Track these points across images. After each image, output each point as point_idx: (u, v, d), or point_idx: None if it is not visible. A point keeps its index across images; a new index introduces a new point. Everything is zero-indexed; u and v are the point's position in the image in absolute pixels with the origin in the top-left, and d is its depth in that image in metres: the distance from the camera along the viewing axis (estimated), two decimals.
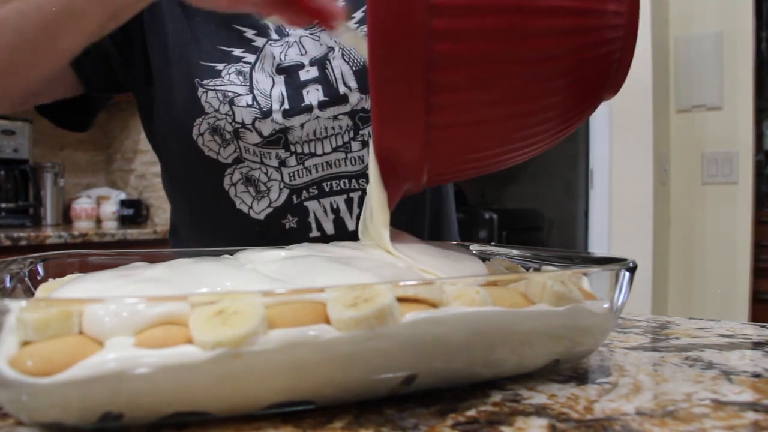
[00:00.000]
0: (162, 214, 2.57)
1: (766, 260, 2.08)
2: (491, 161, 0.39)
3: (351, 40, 0.49)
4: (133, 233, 2.09)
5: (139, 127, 2.61)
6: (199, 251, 0.47)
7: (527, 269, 0.45)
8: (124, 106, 2.63)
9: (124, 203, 2.46)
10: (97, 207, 2.37)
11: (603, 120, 2.06)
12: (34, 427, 0.27)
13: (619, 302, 0.36)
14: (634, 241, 1.99)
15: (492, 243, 0.54)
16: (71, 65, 0.61)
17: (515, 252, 0.48)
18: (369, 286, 0.29)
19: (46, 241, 1.83)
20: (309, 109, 0.63)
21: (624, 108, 2.00)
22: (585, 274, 0.37)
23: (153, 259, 0.41)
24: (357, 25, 0.66)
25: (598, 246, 2.07)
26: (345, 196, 0.64)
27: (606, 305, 0.36)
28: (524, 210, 3.50)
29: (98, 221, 2.37)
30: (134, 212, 2.47)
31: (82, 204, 2.32)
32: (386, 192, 0.38)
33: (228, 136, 0.62)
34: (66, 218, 2.40)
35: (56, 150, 2.55)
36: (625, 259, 0.37)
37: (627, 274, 0.36)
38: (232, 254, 0.44)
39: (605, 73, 0.36)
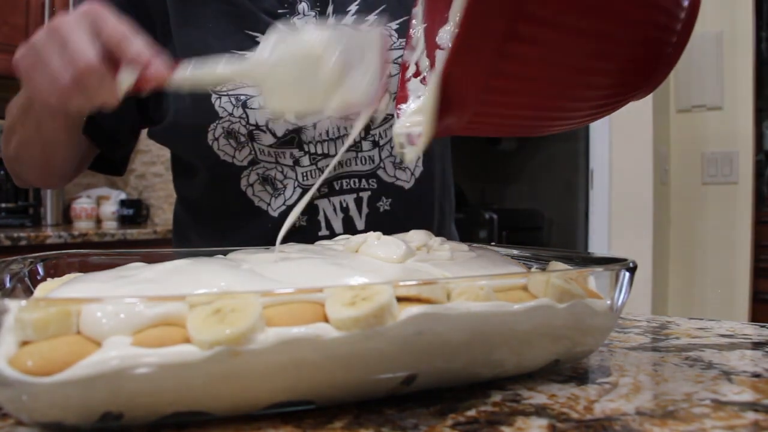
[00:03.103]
0: (162, 214, 2.57)
1: (766, 260, 2.07)
2: (529, 123, 0.41)
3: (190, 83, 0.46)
4: (132, 233, 2.09)
5: None
6: (197, 251, 0.47)
7: (529, 269, 0.45)
8: None
9: (123, 203, 2.46)
10: (97, 207, 2.37)
11: (603, 120, 2.05)
12: (34, 427, 0.27)
13: (620, 302, 0.36)
14: (634, 241, 1.99)
15: (492, 243, 0.54)
16: (96, 145, 0.68)
17: (515, 252, 0.48)
18: (367, 285, 0.29)
19: (46, 241, 1.83)
20: None
21: (624, 108, 1.99)
22: (591, 273, 0.37)
23: (152, 260, 0.41)
24: (370, 28, 0.66)
25: (598, 246, 2.07)
26: (355, 195, 0.65)
27: (606, 304, 0.36)
28: (524, 210, 3.50)
29: (98, 221, 2.37)
30: (134, 212, 2.46)
31: (82, 204, 2.32)
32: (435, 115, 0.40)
33: (242, 139, 0.63)
34: (66, 218, 2.40)
35: None
36: (625, 259, 0.37)
37: (627, 274, 0.36)
38: (225, 254, 0.44)
39: (647, 71, 0.39)
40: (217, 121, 0.63)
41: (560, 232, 3.63)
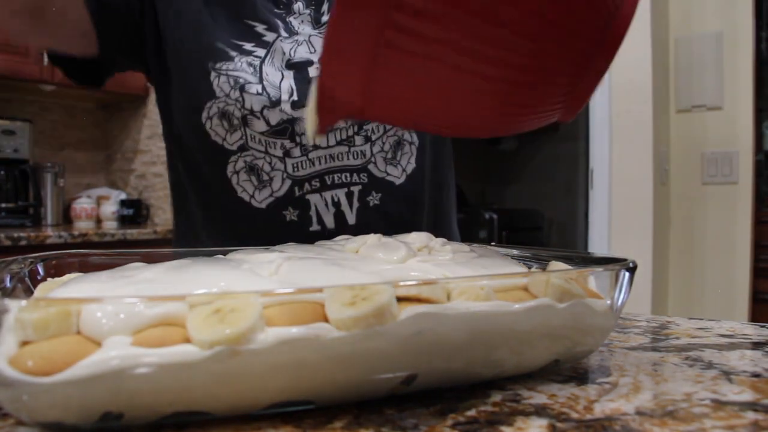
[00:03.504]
0: (162, 215, 2.57)
1: (765, 260, 2.08)
2: (432, 122, 0.38)
3: None
4: (132, 233, 2.09)
5: (139, 127, 2.61)
6: (197, 251, 0.47)
7: (529, 269, 0.45)
8: (124, 106, 2.63)
9: (124, 203, 2.46)
10: (97, 207, 2.38)
11: (603, 120, 2.06)
12: (34, 427, 0.27)
13: (619, 302, 0.36)
14: (633, 241, 1.99)
15: (492, 243, 0.54)
16: (92, 19, 0.63)
17: (515, 252, 0.48)
18: (367, 284, 0.29)
19: (46, 241, 1.83)
20: None
21: (624, 108, 2.00)
22: (591, 273, 0.37)
23: (153, 260, 0.41)
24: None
25: (597, 246, 2.07)
26: (346, 190, 0.65)
27: (606, 304, 0.36)
28: (524, 210, 3.50)
29: (98, 221, 2.37)
30: (134, 212, 2.47)
31: (82, 204, 2.32)
32: (319, 118, 0.37)
33: (236, 122, 0.63)
34: (66, 218, 2.40)
35: (56, 150, 2.55)
36: (625, 259, 0.37)
37: (627, 274, 0.36)
38: (225, 254, 0.44)
39: (570, 73, 0.33)
40: (213, 101, 0.63)
41: (560, 232, 3.63)
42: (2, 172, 2.16)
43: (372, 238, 0.44)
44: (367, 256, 0.41)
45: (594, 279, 0.37)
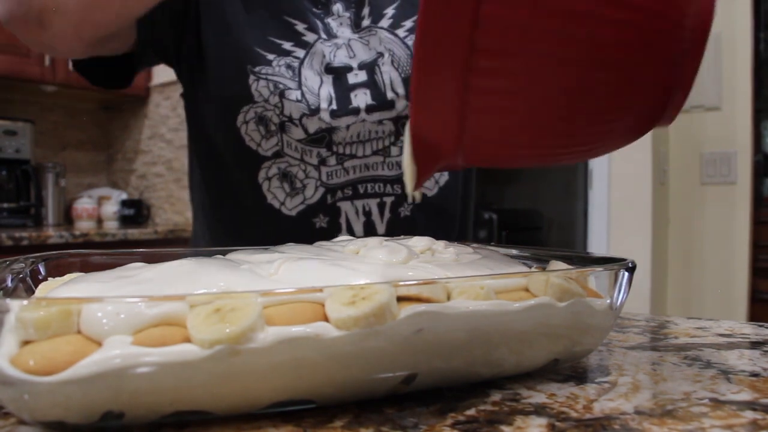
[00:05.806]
0: (162, 215, 2.57)
1: (764, 260, 2.08)
2: (529, 156, 0.38)
3: None
4: (134, 233, 2.09)
5: (140, 128, 2.61)
6: (197, 251, 0.47)
7: (529, 269, 0.45)
8: (125, 107, 2.63)
9: (125, 203, 2.46)
10: (98, 207, 2.38)
11: None
12: (35, 426, 0.27)
13: (618, 302, 0.36)
14: (632, 241, 1.99)
15: (492, 243, 0.54)
16: (137, 22, 0.61)
17: (515, 252, 0.48)
18: (367, 284, 0.29)
19: (48, 240, 1.83)
20: (356, 111, 0.63)
21: None
22: (591, 273, 0.37)
23: (153, 260, 0.41)
24: (407, 33, 0.66)
25: (597, 246, 2.07)
26: (378, 200, 0.64)
27: (606, 303, 0.36)
28: (524, 210, 3.50)
29: (99, 221, 2.37)
30: (135, 212, 2.47)
31: (84, 204, 2.32)
32: (416, 166, 0.37)
33: (273, 128, 0.62)
34: (67, 218, 2.40)
35: (57, 150, 2.55)
36: (624, 259, 0.37)
37: (626, 273, 0.36)
38: (224, 254, 0.44)
39: (658, 88, 0.33)
40: (250, 105, 0.61)
41: (560, 232, 3.63)
42: (4, 173, 2.16)
43: (373, 241, 0.44)
44: (367, 257, 0.41)
45: (593, 279, 0.37)
